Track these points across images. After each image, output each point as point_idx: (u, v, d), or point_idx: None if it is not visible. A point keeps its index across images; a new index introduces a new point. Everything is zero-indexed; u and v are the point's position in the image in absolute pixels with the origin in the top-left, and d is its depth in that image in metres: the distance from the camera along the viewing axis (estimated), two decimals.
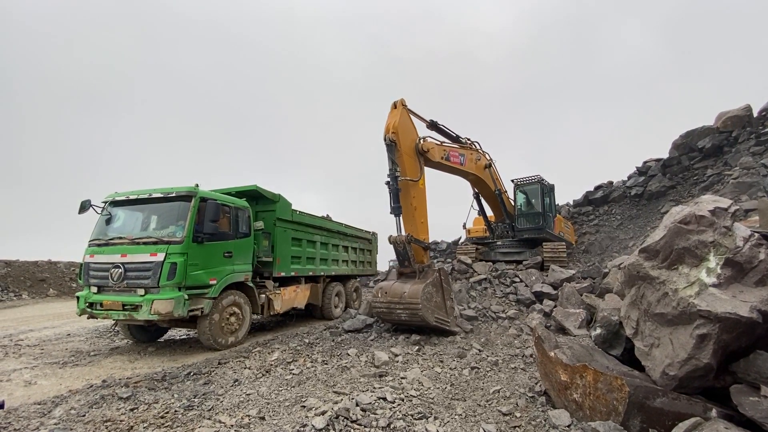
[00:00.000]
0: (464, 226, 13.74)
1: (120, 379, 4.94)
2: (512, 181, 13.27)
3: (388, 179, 7.25)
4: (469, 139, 9.86)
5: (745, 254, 3.02)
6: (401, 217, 7.32)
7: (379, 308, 7.23)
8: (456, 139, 9.44)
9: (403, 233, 7.26)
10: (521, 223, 12.70)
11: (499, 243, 13.08)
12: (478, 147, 10.21)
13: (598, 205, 18.52)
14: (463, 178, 10.54)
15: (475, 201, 12.42)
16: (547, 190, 13.03)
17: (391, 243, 7.30)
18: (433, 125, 8.79)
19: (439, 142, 8.57)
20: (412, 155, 7.64)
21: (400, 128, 7.29)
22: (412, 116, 7.87)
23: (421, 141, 7.88)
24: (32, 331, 8.74)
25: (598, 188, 19.37)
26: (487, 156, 10.62)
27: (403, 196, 7.30)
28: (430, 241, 7.93)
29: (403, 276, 7.48)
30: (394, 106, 7.60)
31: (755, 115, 15.52)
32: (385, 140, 7.24)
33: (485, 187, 11.12)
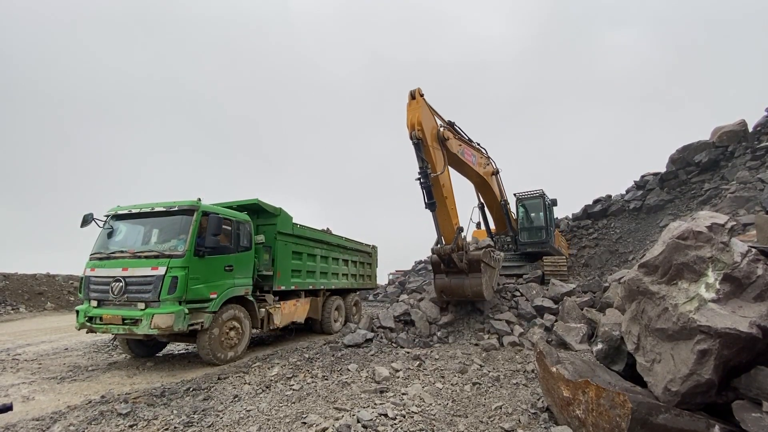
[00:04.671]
0: None
1: (119, 395, 4.89)
2: (514, 194, 13.36)
3: (419, 176, 7.25)
4: (479, 144, 9.98)
5: (743, 270, 3.05)
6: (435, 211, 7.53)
7: (445, 300, 8.74)
8: (468, 142, 9.51)
9: (443, 241, 7.72)
10: (524, 236, 12.74)
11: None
12: (486, 153, 10.34)
13: (597, 219, 18.61)
14: (471, 179, 10.53)
15: (475, 212, 12.45)
16: (549, 204, 13.13)
17: (434, 254, 7.99)
18: (450, 126, 8.68)
19: (455, 136, 8.63)
20: (435, 146, 7.63)
21: (423, 122, 7.17)
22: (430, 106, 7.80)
23: (441, 129, 7.87)
24: (29, 345, 8.66)
25: (596, 202, 19.50)
26: (494, 164, 10.73)
27: (435, 190, 7.41)
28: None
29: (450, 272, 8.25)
30: (412, 96, 7.28)
31: (750, 130, 15.75)
32: (411, 139, 7.13)
33: (490, 195, 11.12)
